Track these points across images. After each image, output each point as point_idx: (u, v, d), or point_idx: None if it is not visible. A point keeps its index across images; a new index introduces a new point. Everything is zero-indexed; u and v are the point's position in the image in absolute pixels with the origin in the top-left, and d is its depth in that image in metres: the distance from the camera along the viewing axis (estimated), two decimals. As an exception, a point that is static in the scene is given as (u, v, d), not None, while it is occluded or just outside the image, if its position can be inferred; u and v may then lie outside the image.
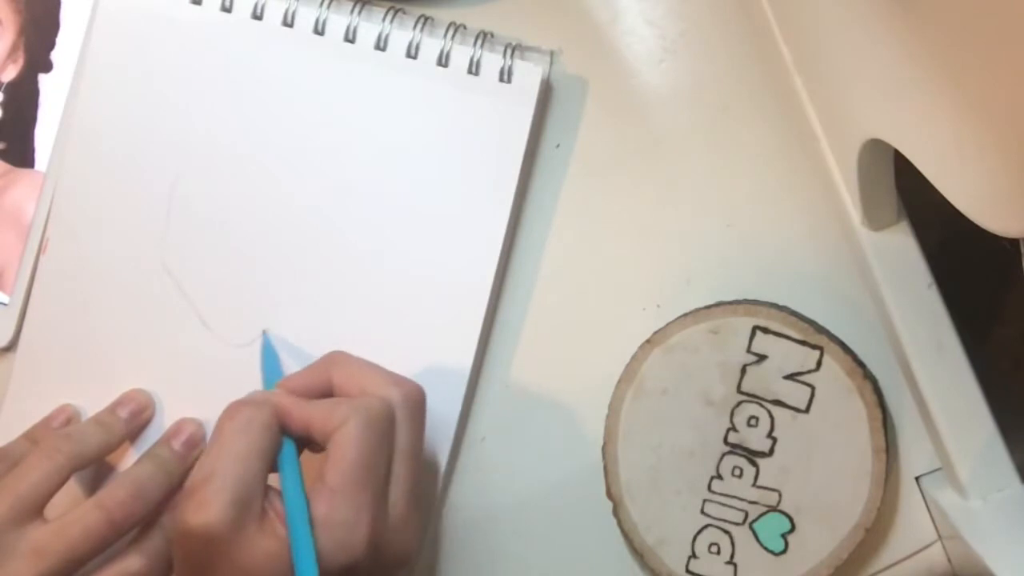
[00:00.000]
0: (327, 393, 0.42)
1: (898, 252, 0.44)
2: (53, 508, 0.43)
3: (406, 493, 0.41)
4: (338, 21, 0.47)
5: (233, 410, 0.40)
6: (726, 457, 0.45)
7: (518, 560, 0.48)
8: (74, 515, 0.42)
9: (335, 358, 0.43)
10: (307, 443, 0.41)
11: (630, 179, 0.48)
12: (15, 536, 0.41)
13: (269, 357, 0.47)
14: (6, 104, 0.50)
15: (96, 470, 0.48)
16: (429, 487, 0.47)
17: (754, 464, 0.45)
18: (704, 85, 0.47)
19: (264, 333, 0.47)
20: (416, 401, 0.42)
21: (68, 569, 0.42)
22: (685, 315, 0.45)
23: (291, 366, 0.46)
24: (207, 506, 0.37)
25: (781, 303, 0.46)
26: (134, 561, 0.43)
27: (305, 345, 0.47)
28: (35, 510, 0.42)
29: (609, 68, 0.48)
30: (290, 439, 0.41)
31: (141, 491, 0.43)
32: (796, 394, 0.44)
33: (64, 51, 0.49)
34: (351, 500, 0.38)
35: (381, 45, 0.46)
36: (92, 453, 0.45)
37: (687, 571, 0.45)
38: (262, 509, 0.39)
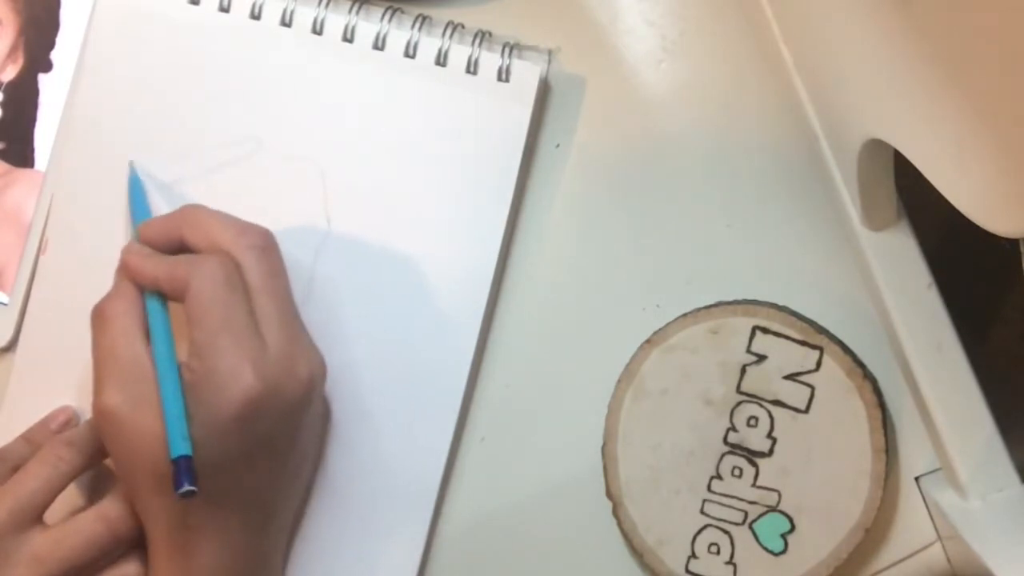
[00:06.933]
0: (182, 243, 0.43)
1: (898, 252, 0.44)
2: (51, 512, 0.43)
3: (279, 324, 0.42)
4: (336, 21, 0.47)
5: (96, 310, 0.42)
6: (726, 457, 0.45)
7: (518, 560, 0.48)
8: (76, 524, 0.42)
9: (185, 213, 0.44)
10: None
11: (629, 179, 0.48)
12: (15, 542, 0.41)
13: (136, 191, 0.46)
14: (6, 104, 0.50)
15: (95, 474, 0.47)
16: (427, 485, 0.47)
17: (754, 464, 0.45)
18: (704, 85, 0.47)
19: (131, 164, 0.47)
20: (262, 243, 0.43)
21: None
22: (685, 315, 0.45)
23: (159, 205, 0.46)
24: (97, 392, 0.40)
25: (781, 303, 0.46)
26: (132, 567, 0.43)
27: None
28: (35, 516, 0.42)
29: (608, 68, 0.48)
30: (157, 298, 0.42)
31: None
32: (796, 394, 0.44)
33: (64, 51, 0.49)
34: (219, 349, 0.40)
35: (379, 44, 0.46)
36: (92, 459, 0.45)
37: (687, 571, 0.45)
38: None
